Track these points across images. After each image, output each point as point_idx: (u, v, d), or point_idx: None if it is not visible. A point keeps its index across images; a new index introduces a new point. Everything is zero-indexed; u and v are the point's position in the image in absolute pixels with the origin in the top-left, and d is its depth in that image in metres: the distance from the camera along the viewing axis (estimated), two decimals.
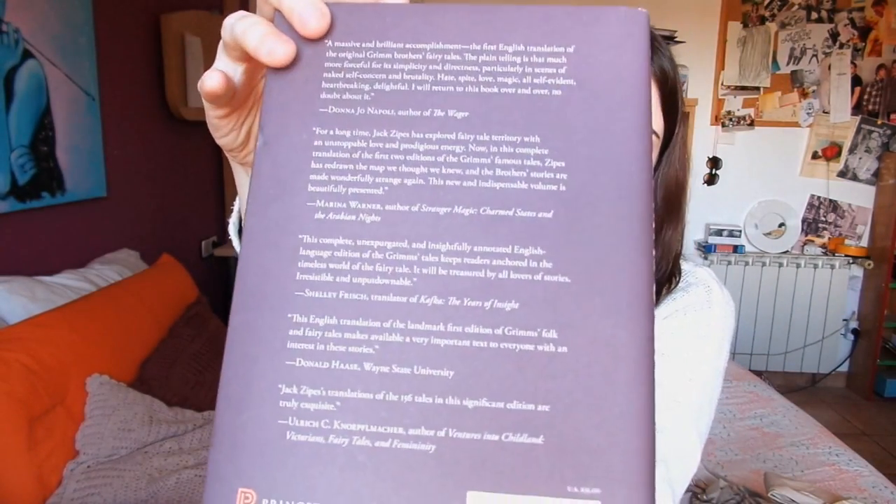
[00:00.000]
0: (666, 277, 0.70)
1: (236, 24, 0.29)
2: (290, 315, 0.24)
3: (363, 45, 0.27)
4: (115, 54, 2.13)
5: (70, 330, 1.40)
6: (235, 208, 0.52)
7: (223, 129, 0.39)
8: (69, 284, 1.70)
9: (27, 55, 1.69)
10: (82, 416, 1.35)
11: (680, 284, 0.70)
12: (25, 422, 1.22)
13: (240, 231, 0.50)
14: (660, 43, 0.64)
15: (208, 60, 2.62)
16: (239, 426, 0.23)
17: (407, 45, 0.27)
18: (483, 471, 0.22)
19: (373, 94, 0.27)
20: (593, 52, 0.26)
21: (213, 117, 0.38)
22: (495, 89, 0.26)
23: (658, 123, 0.64)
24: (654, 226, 0.25)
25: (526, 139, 0.25)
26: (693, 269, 0.73)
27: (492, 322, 0.24)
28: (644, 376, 0.23)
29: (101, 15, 2.02)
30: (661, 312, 0.68)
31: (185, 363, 1.64)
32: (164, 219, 2.55)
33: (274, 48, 0.27)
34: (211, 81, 0.31)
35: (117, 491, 1.25)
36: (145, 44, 2.36)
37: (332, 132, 0.27)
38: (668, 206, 0.69)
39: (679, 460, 0.64)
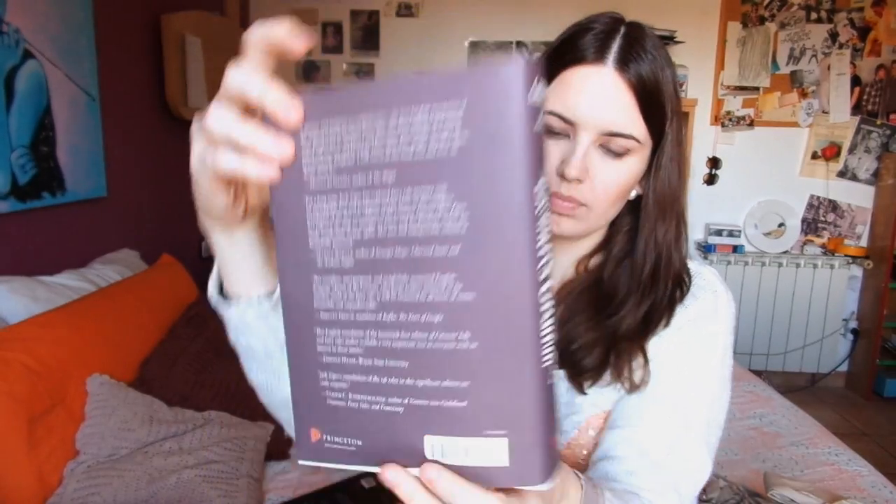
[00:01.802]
0: (664, 277, 0.70)
1: (247, 136, 0.36)
2: (315, 330, 0.39)
3: (321, 125, 0.35)
4: (115, 54, 2.13)
5: (70, 330, 1.40)
6: (215, 270, 0.54)
7: (222, 205, 0.45)
8: (70, 284, 1.70)
9: (27, 55, 1.69)
10: (82, 415, 1.35)
11: (690, 289, 0.72)
12: (26, 421, 1.22)
13: (220, 290, 0.55)
14: (638, 50, 0.63)
15: (208, 60, 2.62)
16: (304, 394, 0.40)
17: (350, 124, 0.34)
18: (431, 423, 0.35)
19: (333, 165, 0.35)
20: (481, 105, 0.31)
21: (222, 200, 0.44)
22: (412, 148, 0.33)
23: (635, 128, 0.64)
24: (537, 243, 0.32)
25: (437, 187, 0.33)
26: (699, 270, 0.73)
27: (427, 329, 0.34)
28: (530, 359, 0.32)
29: (101, 15, 2.03)
30: (675, 322, 0.69)
31: (185, 363, 1.64)
32: (164, 219, 2.55)
33: (271, 151, 0.36)
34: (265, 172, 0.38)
35: (117, 491, 1.25)
36: (145, 44, 2.36)
37: (316, 202, 0.37)
38: (661, 208, 0.69)
39: (689, 474, 0.67)
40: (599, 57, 0.63)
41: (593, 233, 0.74)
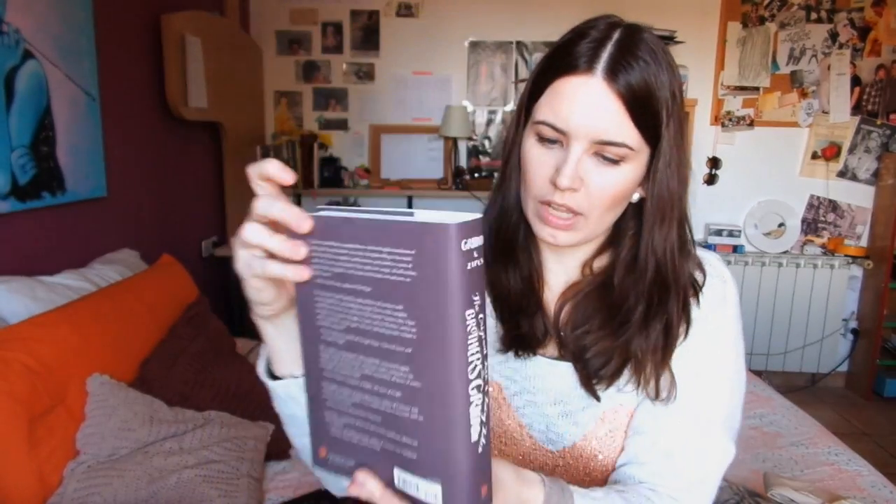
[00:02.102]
0: (673, 286, 0.70)
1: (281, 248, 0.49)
2: (322, 384, 0.52)
3: (322, 242, 0.48)
4: (115, 54, 2.13)
5: (70, 330, 1.40)
6: (263, 353, 0.64)
7: (269, 298, 0.55)
8: (69, 284, 1.70)
9: (28, 55, 1.69)
10: (83, 415, 1.35)
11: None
12: (26, 421, 1.22)
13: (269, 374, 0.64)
14: (629, 59, 0.63)
15: (208, 60, 2.62)
16: (316, 425, 0.54)
17: (341, 244, 0.46)
18: (397, 461, 0.47)
19: (332, 272, 0.48)
20: (425, 253, 0.41)
21: (270, 294, 0.54)
22: (379, 275, 0.44)
23: (627, 136, 0.64)
24: (467, 352, 0.42)
25: (397, 307, 0.44)
26: (704, 257, 0.75)
27: (391, 400, 0.46)
28: (460, 435, 0.43)
29: (101, 15, 2.03)
30: (693, 314, 0.72)
31: (186, 363, 1.64)
32: (164, 219, 2.56)
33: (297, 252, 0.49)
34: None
35: (118, 490, 1.25)
36: (145, 44, 2.36)
37: (320, 294, 0.49)
38: (660, 212, 0.69)
39: (713, 464, 0.71)
40: (589, 67, 0.63)
41: (594, 239, 0.74)
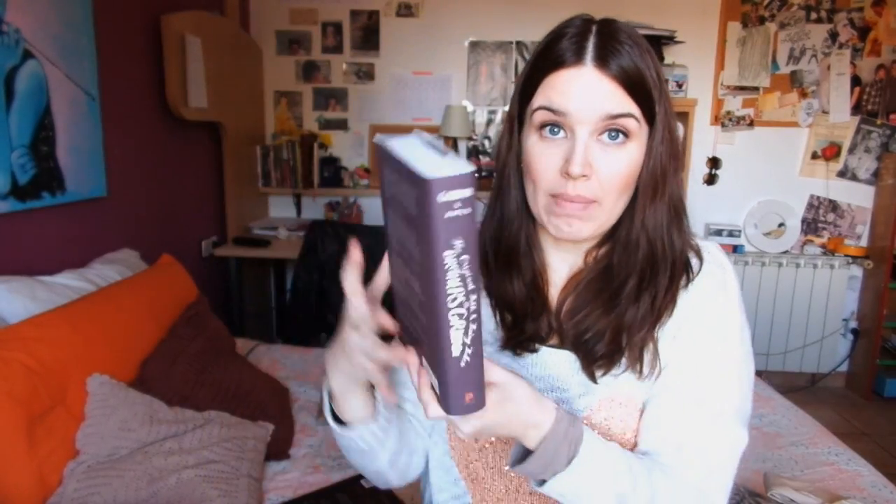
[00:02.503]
0: (662, 262, 0.72)
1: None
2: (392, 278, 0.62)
3: (384, 168, 0.55)
4: (115, 54, 2.13)
5: (70, 330, 1.40)
6: (328, 400, 0.71)
7: (368, 373, 0.63)
8: (69, 284, 1.70)
9: (27, 55, 1.69)
10: (83, 415, 1.35)
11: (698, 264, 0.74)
12: (26, 421, 1.22)
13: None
14: (614, 45, 0.65)
15: (208, 60, 2.62)
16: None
17: (391, 172, 0.52)
18: (420, 351, 0.58)
19: (389, 193, 0.55)
20: (418, 197, 0.45)
21: (372, 372, 0.62)
22: (405, 204, 0.49)
23: (632, 107, 0.66)
24: (445, 284, 0.47)
25: (410, 233, 0.50)
26: (703, 244, 0.76)
27: (415, 304, 0.55)
28: (442, 345, 0.50)
29: (101, 15, 2.03)
30: (690, 303, 0.72)
31: (186, 363, 1.64)
32: (164, 219, 2.56)
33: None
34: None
35: (117, 490, 1.25)
36: (145, 44, 2.36)
37: (387, 209, 0.56)
38: (652, 188, 0.70)
39: (726, 453, 0.71)
40: (578, 59, 0.65)
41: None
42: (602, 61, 0.65)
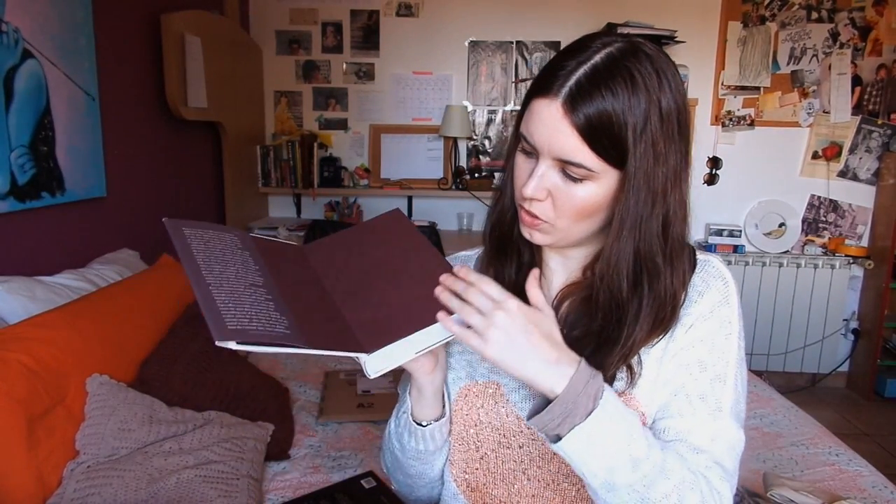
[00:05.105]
0: (638, 295, 0.72)
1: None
2: None
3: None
4: (115, 54, 2.13)
5: (70, 330, 1.40)
6: (405, 407, 0.83)
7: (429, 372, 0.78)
8: (69, 284, 1.70)
9: (27, 55, 1.69)
10: (82, 416, 1.35)
11: (701, 278, 0.76)
12: (25, 422, 1.22)
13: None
14: (592, 91, 0.65)
15: (208, 60, 2.62)
16: None
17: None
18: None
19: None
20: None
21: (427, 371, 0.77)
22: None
23: (585, 159, 0.67)
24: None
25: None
26: (706, 259, 0.78)
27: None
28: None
29: (101, 15, 2.02)
30: (696, 312, 0.75)
31: (185, 363, 1.64)
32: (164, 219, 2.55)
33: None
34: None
35: (117, 491, 1.25)
36: (145, 44, 2.36)
37: None
38: (618, 230, 0.70)
39: (728, 450, 0.73)
40: (555, 92, 0.67)
41: (576, 244, 0.77)
42: (571, 103, 0.66)
